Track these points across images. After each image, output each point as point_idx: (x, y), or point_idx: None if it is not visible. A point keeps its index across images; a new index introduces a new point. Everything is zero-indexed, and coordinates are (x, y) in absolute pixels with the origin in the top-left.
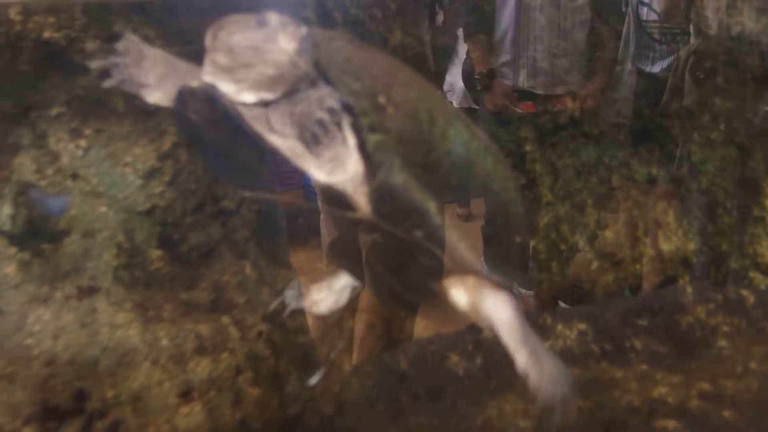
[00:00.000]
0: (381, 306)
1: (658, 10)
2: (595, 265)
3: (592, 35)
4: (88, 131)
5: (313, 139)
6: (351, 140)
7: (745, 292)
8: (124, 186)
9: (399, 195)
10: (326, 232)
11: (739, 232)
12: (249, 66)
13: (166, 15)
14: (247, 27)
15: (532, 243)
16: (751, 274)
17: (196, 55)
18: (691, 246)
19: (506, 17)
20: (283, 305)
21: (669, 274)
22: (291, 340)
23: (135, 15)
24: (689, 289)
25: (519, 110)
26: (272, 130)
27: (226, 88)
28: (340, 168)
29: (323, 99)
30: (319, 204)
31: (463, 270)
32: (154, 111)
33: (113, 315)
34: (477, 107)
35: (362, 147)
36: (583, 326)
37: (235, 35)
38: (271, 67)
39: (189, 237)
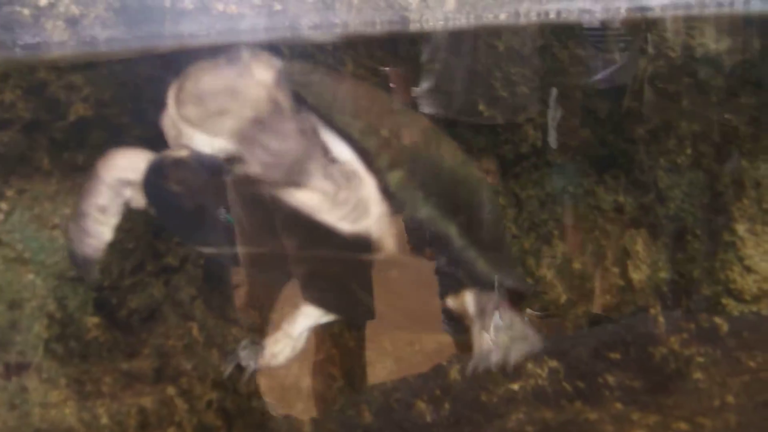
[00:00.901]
0: (340, 355)
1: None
2: (564, 298)
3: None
4: (10, 192)
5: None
6: (370, 182)
7: (718, 320)
8: (52, 250)
9: (426, 227)
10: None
11: (710, 258)
12: (223, 113)
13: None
14: (215, 68)
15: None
16: (724, 300)
17: None
18: (662, 274)
19: None
20: (240, 368)
21: (640, 304)
22: (245, 406)
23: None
24: (661, 319)
25: None
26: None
27: (201, 143)
28: (364, 214)
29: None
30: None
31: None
32: (82, 166)
33: (46, 393)
34: None
35: (385, 188)
36: (554, 363)
37: (203, 80)
38: (249, 108)
39: (128, 300)
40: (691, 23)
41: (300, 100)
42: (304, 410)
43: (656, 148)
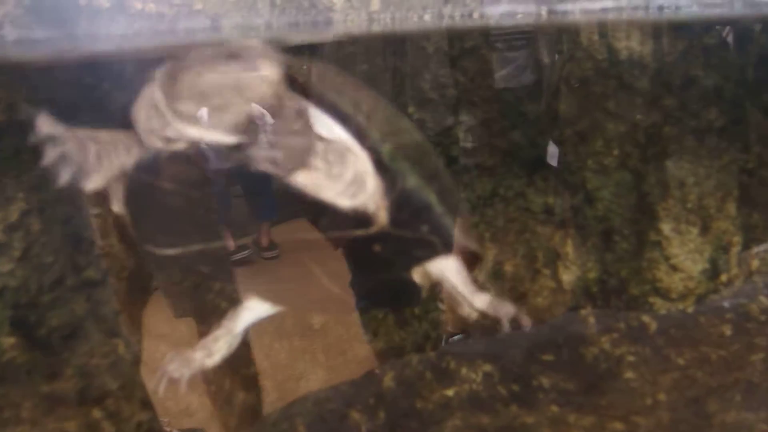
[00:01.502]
0: (272, 368)
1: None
2: None
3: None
4: None
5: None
6: (365, 157)
7: (646, 318)
8: None
9: (415, 198)
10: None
11: (637, 258)
12: (225, 108)
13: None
14: (217, 63)
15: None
16: (651, 299)
17: None
18: (592, 275)
19: None
20: (171, 381)
21: (570, 305)
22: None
23: None
24: (592, 320)
25: None
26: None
27: (194, 135)
28: (362, 188)
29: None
30: None
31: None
32: None
33: None
34: None
35: (379, 160)
36: (488, 367)
37: (206, 76)
38: (250, 100)
39: (48, 317)
40: (616, 26)
41: (295, 85)
42: (237, 426)
43: (584, 150)
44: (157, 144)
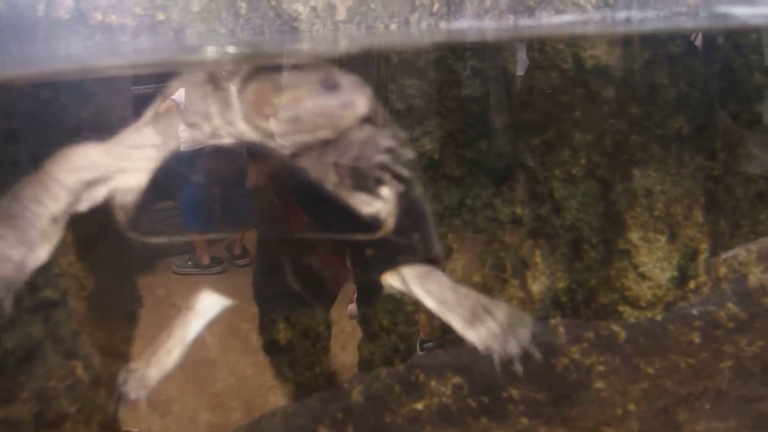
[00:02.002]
0: (238, 385)
1: None
2: None
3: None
4: None
5: (374, 182)
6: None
7: (616, 327)
8: None
9: (417, 206)
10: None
11: (606, 267)
12: (312, 131)
13: None
14: (315, 92)
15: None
16: (621, 307)
17: None
18: (560, 284)
19: None
20: (127, 401)
21: (540, 315)
22: None
23: None
24: (561, 329)
25: None
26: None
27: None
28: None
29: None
30: None
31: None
32: None
33: None
34: None
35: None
36: (457, 380)
37: (305, 103)
38: (337, 130)
39: (3, 340)
40: (582, 36)
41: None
42: None
43: (551, 159)
44: (198, 137)
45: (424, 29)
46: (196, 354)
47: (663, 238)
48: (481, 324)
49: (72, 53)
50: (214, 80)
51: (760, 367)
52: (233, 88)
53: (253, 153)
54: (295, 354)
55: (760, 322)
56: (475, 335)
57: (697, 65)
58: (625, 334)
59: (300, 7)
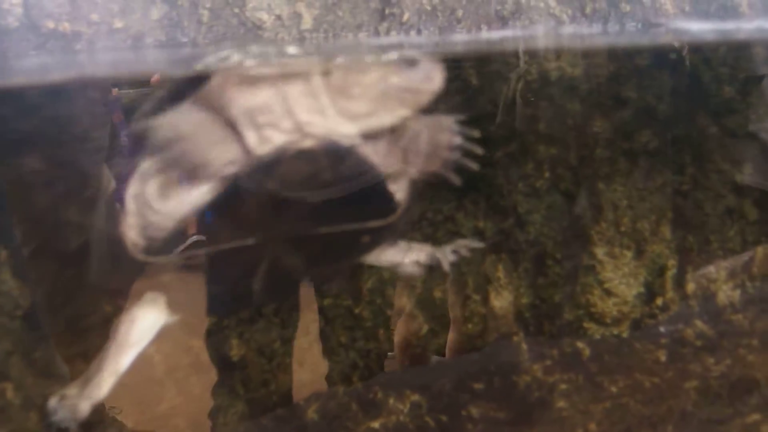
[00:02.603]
0: (186, 404)
1: None
2: (425, 328)
3: None
4: None
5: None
6: None
7: (580, 345)
8: None
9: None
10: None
11: (571, 282)
12: (397, 108)
13: None
14: (400, 69)
15: (356, 311)
16: (586, 324)
17: None
18: (524, 300)
19: None
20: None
21: (503, 331)
22: None
23: None
24: (524, 346)
25: None
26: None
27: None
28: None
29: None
30: None
31: None
32: None
33: None
34: None
35: None
36: (415, 397)
37: (391, 78)
38: (418, 107)
39: None
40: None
41: None
42: None
43: (515, 173)
44: (275, 140)
45: (393, 40)
46: (143, 371)
47: (629, 254)
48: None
49: (22, 63)
50: (286, 77)
51: (727, 388)
52: (318, 78)
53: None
54: (248, 371)
55: (728, 341)
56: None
57: (666, 78)
58: (590, 352)
59: (264, 15)
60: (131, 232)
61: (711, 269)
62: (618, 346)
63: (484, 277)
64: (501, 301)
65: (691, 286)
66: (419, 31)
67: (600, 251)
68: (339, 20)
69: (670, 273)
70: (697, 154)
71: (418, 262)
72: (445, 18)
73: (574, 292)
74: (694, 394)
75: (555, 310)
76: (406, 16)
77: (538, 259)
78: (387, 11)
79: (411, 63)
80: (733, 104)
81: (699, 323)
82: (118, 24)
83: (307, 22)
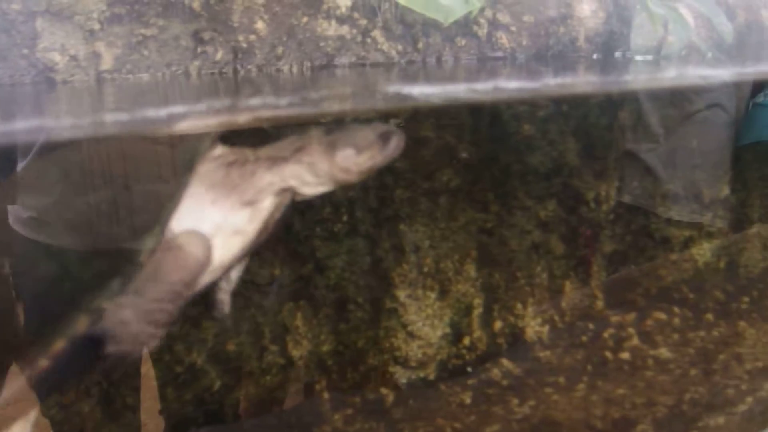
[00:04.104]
0: None
1: None
2: (218, 384)
3: None
4: None
5: None
6: None
7: (384, 391)
8: None
9: None
10: None
11: (374, 327)
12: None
13: None
14: (378, 147)
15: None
16: (392, 368)
17: None
18: (325, 347)
19: None
20: None
21: (304, 381)
22: None
23: None
24: (326, 395)
25: None
26: None
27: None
28: None
29: None
30: None
31: None
32: None
33: None
34: None
35: None
36: None
37: (376, 158)
38: None
39: None
40: None
41: None
42: None
43: (311, 217)
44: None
45: (205, 78)
46: None
47: (433, 295)
48: None
49: None
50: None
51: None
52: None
53: None
54: None
55: (535, 379)
56: None
57: (465, 117)
58: (393, 398)
59: (57, 56)
60: None
61: (518, 305)
62: (424, 389)
63: (281, 327)
64: (300, 350)
65: (498, 324)
66: (236, 71)
67: (402, 294)
68: (144, 59)
69: (477, 312)
70: (500, 191)
71: None
72: (263, 56)
73: (377, 337)
74: None
75: (358, 355)
76: (219, 55)
77: (340, 304)
78: (199, 49)
79: (388, 138)
80: (533, 141)
81: (506, 362)
82: None
83: (107, 63)
